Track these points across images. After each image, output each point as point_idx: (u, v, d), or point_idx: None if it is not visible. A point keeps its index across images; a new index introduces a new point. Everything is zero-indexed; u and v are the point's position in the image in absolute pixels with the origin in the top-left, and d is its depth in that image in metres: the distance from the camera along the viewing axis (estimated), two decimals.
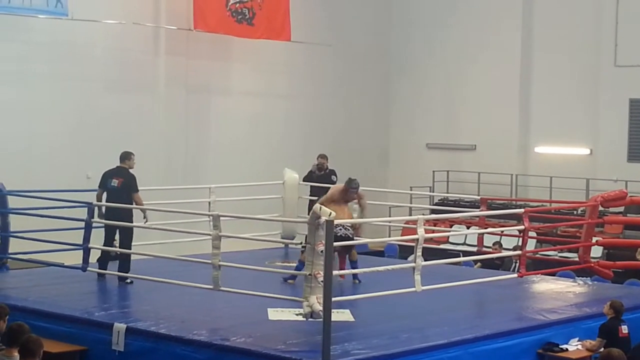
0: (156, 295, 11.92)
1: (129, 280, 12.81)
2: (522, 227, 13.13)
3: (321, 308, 9.29)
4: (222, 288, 10.68)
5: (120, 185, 13.15)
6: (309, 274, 9.47)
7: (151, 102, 20.99)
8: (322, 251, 9.30)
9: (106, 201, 13.19)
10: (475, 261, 16.46)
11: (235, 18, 21.68)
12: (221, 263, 10.67)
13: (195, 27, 20.93)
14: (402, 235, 17.98)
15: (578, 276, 15.24)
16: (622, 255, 17.36)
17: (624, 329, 10.93)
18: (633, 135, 22.78)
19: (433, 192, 23.85)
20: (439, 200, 23.52)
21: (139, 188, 13.38)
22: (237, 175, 20.03)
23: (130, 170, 13.40)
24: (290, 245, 16.22)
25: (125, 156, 13.55)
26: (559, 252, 18.52)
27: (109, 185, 13.22)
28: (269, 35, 22.33)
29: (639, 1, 22.59)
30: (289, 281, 12.77)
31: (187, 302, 11.50)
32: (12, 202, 13.88)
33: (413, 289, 11.32)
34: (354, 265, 13.05)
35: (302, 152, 22.24)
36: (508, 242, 18.27)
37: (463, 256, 16.33)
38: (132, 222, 13.17)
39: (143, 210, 13.27)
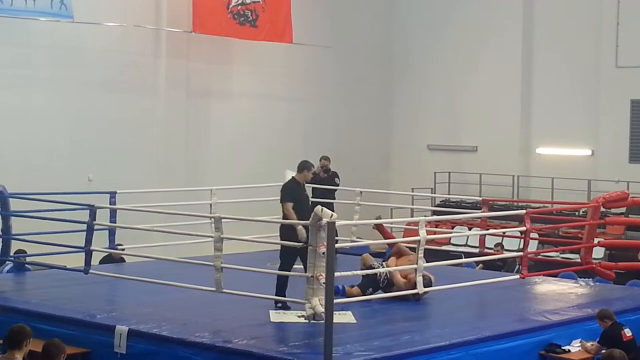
0: (158, 298, 11.91)
1: (279, 305, 11.39)
2: (523, 228, 13.12)
3: (323, 310, 9.29)
4: (225, 290, 10.68)
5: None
6: (311, 276, 9.46)
7: (152, 104, 20.99)
8: (323, 253, 9.30)
9: None
10: (477, 262, 16.45)
11: (237, 20, 21.65)
12: (223, 265, 10.68)
13: (194, 29, 20.88)
14: (403, 237, 17.97)
15: (580, 277, 15.23)
16: (624, 256, 17.35)
17: (627, 332, 10.83)
18: (634, 136, 22.77)
19: (435, 193, 23.86)
20: (440, 201, 23.51)
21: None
22: (238, 177, 20.01)
23: (291, 182, 12.14)
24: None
25: (297, 167, 12.22)
26: (560, 254, 18.50)
27: None
28: (272, 37, 22.31)
29: (639, 2, 22.61)
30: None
31: (189, 305, 11.50)
32: (14, 204, 13.88)
33: (415, 291, 11.32)
34: None
35: (303, 154, 22.01)
36: (510, 244, 18.26)
37: (465, 257, 16.33)
38: (290, 238, 11.32)
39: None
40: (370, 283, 12.22)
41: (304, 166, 12.12)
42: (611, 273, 14.64)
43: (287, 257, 11.54)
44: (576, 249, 15.72)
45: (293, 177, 12.18)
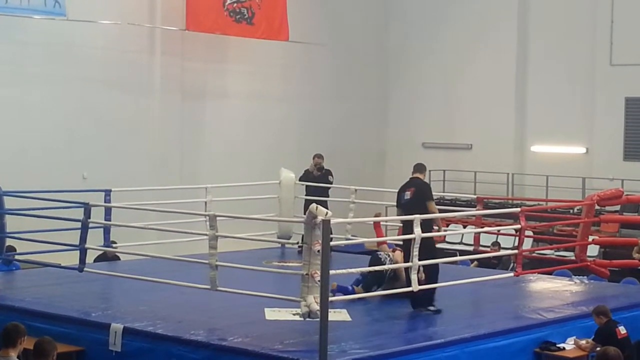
0: (153, 296, 11.90)
1: (433, 308, 11.44)
2: (518, 226, 13.14)
3: (318, 308, 9.29)
4: (219, 288, 10.67)
5: (412, 196, 11.91)
6: (306, 274, 9.46)
7: (147, 102, 20.97)
8: (318, 251, 9.30)
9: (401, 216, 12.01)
10: (472, 260, 16.46)
11: (233, 18, 21.63)
12: (218, 263, 10.67)
13: (187, 27, 20.85)
14: (398, 235, 17.96)
15: (574, 275, 15.25)
16: (619, 254, 17.36)
17: (622, 329, 10.82)
18: (629, 133, 22.81)
19: None
20: (435, 199, 23.46)
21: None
22: (233, 175, 20.01)
23: (425, 182, 12.36)
24: (286, 245, 16.24)
25: (419, 168, 12.40)
26: (555, 251, 18.52)
27: (403, 199, 12.01)
28: (268, 34, 22.30)
29: (634, 0, 22.63)
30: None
31: (184, 302, 11.49)
32: (8, 202, 13.85)
33: (410, 289, 11.32)
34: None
35: (298, 151, 22.23)
36: (504, 241, 18.26)
37: (459, 255, 16.33)
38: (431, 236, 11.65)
39: (435, 220, 11.97)
40: (375, 280, 12.16)
41: (424, 167, 12.53)
42: (605, 271, 14.66)
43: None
44: (571, 246, 15.75)
45: (420, 178, 12.33)
